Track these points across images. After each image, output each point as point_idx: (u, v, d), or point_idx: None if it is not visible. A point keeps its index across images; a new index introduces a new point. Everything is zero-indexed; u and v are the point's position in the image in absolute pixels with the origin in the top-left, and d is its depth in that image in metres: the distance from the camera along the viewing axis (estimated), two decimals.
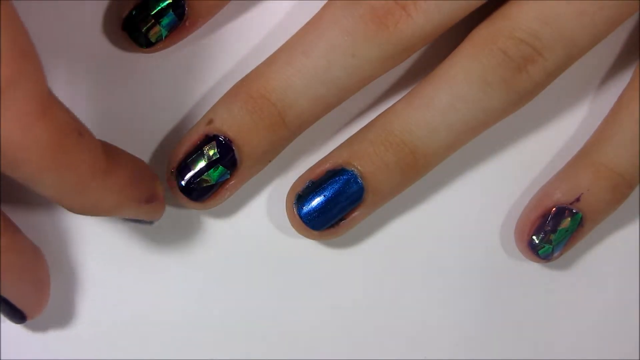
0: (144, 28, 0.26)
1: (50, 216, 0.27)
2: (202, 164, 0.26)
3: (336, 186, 0.27)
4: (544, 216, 0.28)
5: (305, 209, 0.27)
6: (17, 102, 0.19)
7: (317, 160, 0.27)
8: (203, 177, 0.26)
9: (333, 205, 0.27)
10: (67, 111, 0.21)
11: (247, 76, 0.27)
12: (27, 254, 0.24)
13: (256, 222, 0.29)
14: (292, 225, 0.27)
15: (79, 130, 0.21)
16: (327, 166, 0.27)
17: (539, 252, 0.28)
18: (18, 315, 0.25)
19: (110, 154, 0.22)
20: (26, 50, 0.19)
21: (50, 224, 0.27)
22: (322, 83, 0.26)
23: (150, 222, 0.26)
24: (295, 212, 0.27)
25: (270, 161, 0.27)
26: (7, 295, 0.25)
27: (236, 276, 0.28)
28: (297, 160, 0.29)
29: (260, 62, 0.27)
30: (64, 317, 0.28)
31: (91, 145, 0.21)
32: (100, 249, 0.28)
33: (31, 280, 0.25)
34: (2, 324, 0.28)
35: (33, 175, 0.20)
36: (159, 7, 0.26)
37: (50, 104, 0.20)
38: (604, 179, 0.27)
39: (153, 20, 0.26)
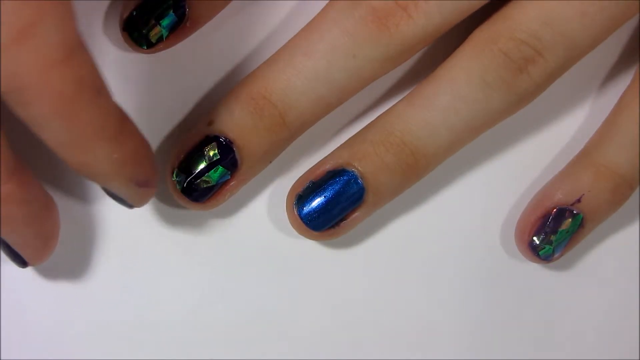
0: (145, 29, 0.26)
1: None
2: (202, 164, 0.26)
3: (336, 187, 0.27)
4: (545, 217, 0.28)
5: (306, 209, 0.27)
6: (39, 43, 0.18)
7: (317, 161, 0.27)
8: (203, 178, 0.26)
9: (333, 206, 0.27)
10: (92, 64, 0.20)
11: (247, 77, 0.27)
12: (33, 204, 0.24)
13: (256, 223, 0.29)
14: (293, 226, 0.27)
15: (98, 88, 0.20)
16: (328, 167, 0.27)
17: (540, 252, 0.28)
18: (19, 260, 0.25)
19: (124, 123, 0.22)
20: None
21: None
22: (323, 84, 0.26)
23: (130, 206, 0.25)
24: (296, 213, 0.27)
25: (270, 162, 0.27)
26: (8, 240, 0.24)
27: (236, 276, 0.28)
28: (297, 161, 0.29)
29: (260, 63, 0.27)
30: (63, 316, 0.28)
31: (107, 108, 0.21)
32: (100, 249, 0.28)
33: (35, 231, 0.24)
34: (2, 324, 0.28)
35: (40, 118, 0.20)
36: (160, 8, 0.26)
37: (75, 52, 0.19)
38: (604, 180, 0.27)
39: (154, 21, 0.26)
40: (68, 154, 0.21)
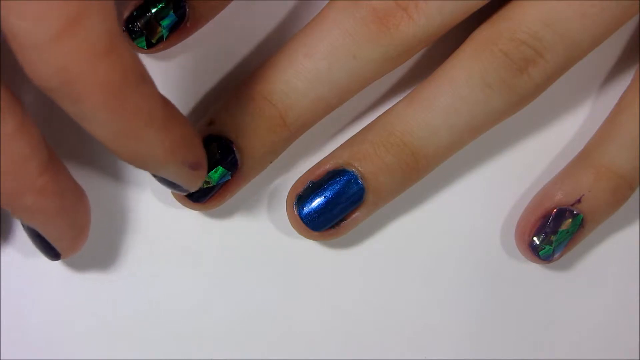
0: (145, 29, 0.26)
1: None
2: None
3: (337, 187, 0.27)
4: (545, 217, 0.28)
5: (306, 209, 0.27)
6: (85, 36, 0.18)
7: (317, 161, 0.27)
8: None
9: (333, 206, 0.27)
10: (133, 54, 0.20)
11: (248, 77, 0.27)
12: (67, 196, 0.24)
13: (257, 223, 0.29)
14: (293, 226, 0.27)
15: (143, 75, 0.20)
16: (328, 167, 0.27)
17: (540, 253, 0.28)
18: (52, 253, 0.25)
19: (168, 109, 0.22)
20: None
21: None
22: (323, 84, 0.26)
23: (186, 191, 0.25)
24: (296, 213, 0.27)
25: (271, 162, 0.27)
26: (43, 233, 0.24)
27: (237, 276, 0.28)
28: (297, 161, 0.29)
29: (260, 63, 0.27)
30: (63, 316, 0.28)
31: (152, 94, 0.21)
32: (99, 249, 0.28)
33: (68, 222, 0.24)
34: (2, 324, 0.28)
35: (89, 112, 0.20)
36: (160, 8, 0.26)
37: (118, 43, 0.19)
38: (605, 181, 0.27)
39: (154, 21, 0.26)
40: (120, 145, 0.21)
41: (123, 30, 0.26)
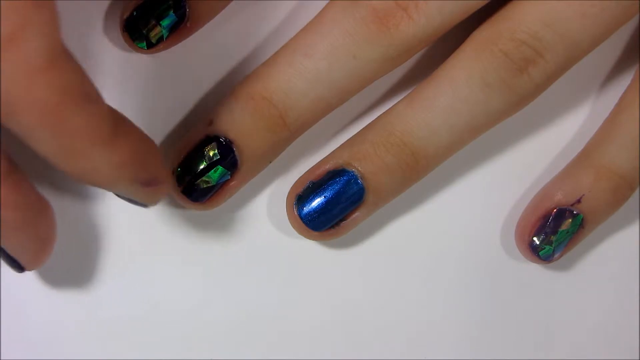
0: (145, 29, 0.26)
1: None
2: (202, 165, 0.26)
3: (336, 187, 0.27)
4: (545, 217, 0.28)
5: (306, 209, 0.27)
6: (22, 52, 0.18)
7: (317, 161, 0.27)
8: (203, 178, 0.26)
9: (333, 206, 0.27)
10: (78, 72, 0.20)
11: (248, 77, 0.27)
12: (28, 208, 0.23)
13: (256, 223, 0.29)
14: (293, 226, 0.27)
15: (86, 93, 0.20)
16: (328, 167, 0.27)
17: (540, 253, 0.28)
18: (15, 265, 0.25)
19: (119, 126, 0.21)
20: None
21: None
22: (323, 84, 0.26)
23: (145, 205, 0.24)
24: (296, 213, 0.27)
25: (270, 162, 0.27)
26: (4, 246, 0.24)
27: (236, 276, 0.28)
28: (297, 161, 0.29)
29: (260, 63, 0.27)
30: (63, 316, 0.28)
31: (98, 112, 0.20)
32: (99, 250, 0.28)
33: (29, 236, 0.24)
34: (2, 324, 0.28)
35: (27, 129, 0.19)
36: (160, 8, 0.26)
37: (59, 61, 0.19)
38: (605, 181, 0.27)
39: (154, 21, 0.26)
40: (64, 163, 0.21)
41: (123, 31, 0.26)
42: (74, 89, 0.19)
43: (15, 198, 0.23)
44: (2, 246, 0.24)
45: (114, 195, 0.27)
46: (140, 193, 0.23)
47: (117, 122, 0.21)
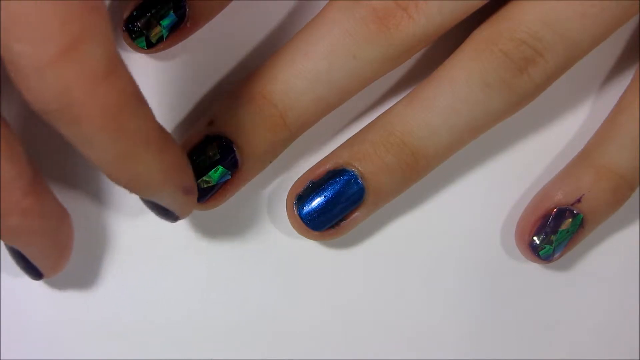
0: (145, 29, 0.26)
1: None
2: (203, 164, 0.26)
3: (336, 187, 0.27)
4: (545, 217, 0.28)
5: (306, 209, 0.27)
6: (85, 59, 0.18)
7: (317, 161, 0.27)
8: (204, 178, 0.26)
9: (333, 206, 0.27)
10: (130, 76, 0.20)
11: (248, 77, 0.27)
12: (50, 217, 0.24)
13: (257, 223, 0.29)
14: (293, 226, 0.27)
15: (140, 97, 0.20)
16: (328, 167, 0.27)
17: (540, 253, 0.28)
18: (35, 273, 0.25)
19: (165, 133, 0.22)
20: (96, 6, 0.19)
21: None
22: (323, 84, 0.26)
23: (176, 218, 0.25)
24: (296, 213, 0.27)
25: (271, 162, 0.27)
26: (26, 253, 0.25)
27: (237, 276, 0.28)
28: (297, 161, 0.29)
29: (260, 63, 0.27)
30: (63, 316, 0.28)
31: (150, 117, 0.21)
32: (100, 250, 0.28)
33: (51, 243, 0.25)
34: (2, 324, 0.28)
35: (88, 135, 0.20)
36: (160, 8, 0.26)
37: (117, 66, 0.19)
38: (605, 180, 0.27)
39: (154, 21, 0.26)
40: (118, 169, 0.21)
41: (123, 31, 0.26)
42: (131, 93, 0.20)
43: (39, 206, 0.23)
44: (24, 253, 0.25)
45: (114, 196, 0.28)
46: (180, 200, 0.24)
47: (162, 128, 0.22)
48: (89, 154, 0.21)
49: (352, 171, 0.26)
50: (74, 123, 0.19)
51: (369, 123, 0.27)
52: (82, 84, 0.19)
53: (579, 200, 0.27)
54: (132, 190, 0.22)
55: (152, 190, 0.23)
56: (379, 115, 0.27)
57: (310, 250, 0.29)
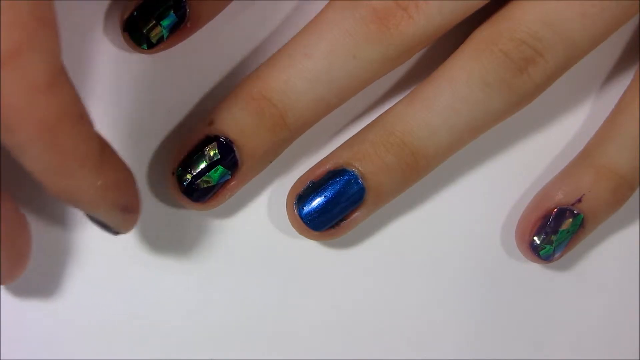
0: (146, 29, 0.26)
1: (47, 214, 0.27)
2: (203, 164, 0.26)
3: (337, 187, 0.27)
4: (545, 217, 0.28)
5: (306, 209, 0.27)
6: (25, 69, 0.18)
7: (317, 161, 0.27)
8: (204, 178, 0.26)
9: (333, 206, 0.27)
10: (74, 92, 0.20)
11: (248, 77, 0.27)
12: (7, 222, 0.23)
13: (257, 223, 0.29)
14: (293, 226, 0.27)
15: (81, 115, 0.20)
16: (328, 167, 0.27)
17: (540, 253, 0.28)
18: None
19: (105, 150, 0.22)
20: (44, 17, 0.18)
21: (45, 221, 0.27)
22: (323, 84, 0.26)
23: (116, 233, 0.25)
24: (296, 213, 0.27)
25: (271, 162, 0.27)
26: None
27: (237, 276, 0.28)
28: (297, 161, 0.29)
29: (261, 63, 0.27)
30: (63, 316, 0.28)
31: (89, 134, 0.21)
32: (100, 250, 0.28)
33: (7, 250, 0.24)
34: (2, 323, 0.28)
35: (23, 145, 0.19)
36: (160, 8, 0.26)
37: (59, 79, 0.19)
38: (605, 180, 0.27)
39: (154, 21, 0.26)
40: (50, 181, 0.21)
41: (123, 31, 0.26)
42: (71, 109, 0.20)
43: None
44: None
45: None
46: (117, 218, 0.23)
47: (104, 147, 0.22)
48: (22, 163, 0.20)
49: (353, 171, 0.26)
50: (7, 131, 0.19)
51: (369, 123, 0.27)
52: (18, 94, 0.18)
53: (579, 200, 0.27)
54: (65, 203, 0.22)
55: (86, 207, 0.22)
56: (379, 115, 0.27)
57: (310, 250, 0.29)
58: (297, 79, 0.26)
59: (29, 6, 0.18)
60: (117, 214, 0.23)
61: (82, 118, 0.20)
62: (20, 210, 0.24)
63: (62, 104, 0.19)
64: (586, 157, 0.28)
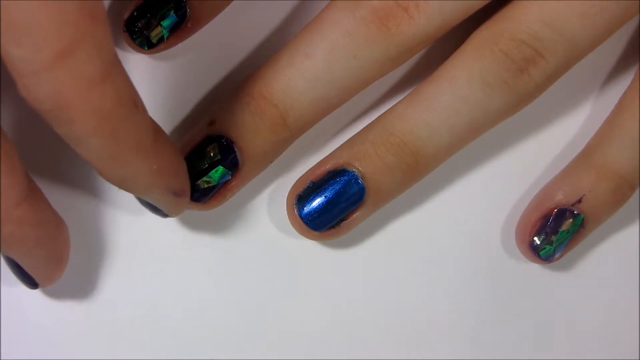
0: (146, 29, 0.26)
1: None
2: (203, 165, 0.26)
3: (337, 187, 0.27)
4: (545, 217, 0.28)
5: (306, 209, 0.27)
6: (80, 63, 0.19)
7: (317, 161, 0.27)
8: (204, 178, 0.26)
9: (334, 206, 0.27)
10: (128, 81, 0.21)
11: (248, 77, 0.27)
12: (45, 226, 0.24)
13: (257, 223, 0.29)
14: (293, 226, 0.27)
15: (136, 103, 0.21)
16: (328, 167, 0.27)
17: (540, 253, 0.28)
18: (30, 282, 0.25)
19: (159, 136, 0.22)
20: (95, 12, 0.19)
21: None
22: (324, 84, 0.26)
23: (165, 216, 0.26)
24: (296, 213, 0.27)
25: (271, 162, 0.27)
26: (21, 263, 0.25)
27: (237, 276, 0.28)
28: (298, 161, 0.29)
29: (261, 63, 0.27)
30: (63, 316, 0.28)
31: (144, 121, 0.21)
32: (100, 249, 0.28)
33: (47, 253, 0.25)
34: (2, 323, 0.28)
35: (80, 136, 0.20)
36: (161, 8, 0.26)
37: (113, 70, 0.20)
38: (605, 181, 0.27)
39: (155, 22, 0.26)
40: (108, 169, 0.22)
41: (123, 31, 0.26)
42: (126, 98, 0.20)
43: (35, 216, 0.23)
44: (19, 263, 0.25)
45: (115, 195, 0.28)
46: (169, 202, 0.24)
47: (157, 133, 0.22)
48: (81, 153, 0.21)
49: (353, 171, 0.26)
50: (66, 124, 0.20)
51: (369, 123, 0.27)
52: (75, 88, 0.19)
53: (579, 201, 0.27)
54: (122, 188, 0.23)
55: (140, 191, 0.23)
56: (379, 115, 0.27)
57: (310, 250, 0.29)
58: (298, 79, 0.26)
59: (78, 5, 0.18)
60: (169, 198, 0.24)
61: (136, 106, 0.21)
62: (58, 214, 0.25)
63: (116, 94, 0.20)
64: (586, 157, 0.28)
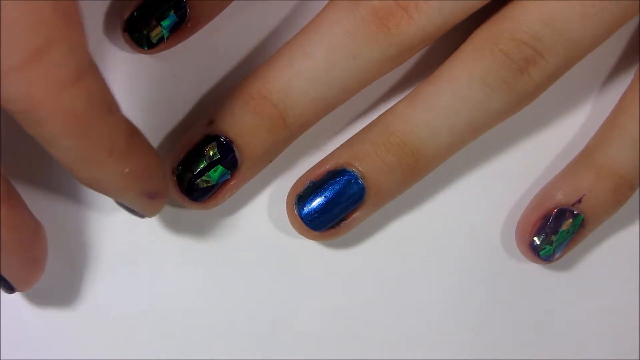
0: (146, 29, 0.26)
1: (49, 212, 0.27)
2: (202, 164, 0.26)
3: (337, 187, 0.27)
4: (545, 217, 0.28)
5: (306, 209, 0.27)
6: (52, 65, 0.19)
7: (317, 161, 0.27)
8: (203, 177, 0.26)
9: (334, 206, 0.27)
10: (102, 83, 0.20)
11: (248, 77, 0.27)
12: (23, 230, 0.24)
13: (257, 223, 0.29)
14: (293, 226, 0.27)
15: (109, 105, 0.21)
16: (328, 167, 0.27)
17: (540, 253, 0.28)
18: (6, 286, 0.25)
19: (134, 138, 0.22)
20: (69, 13, 0.19)
21: (47, 220, 0.27)
22: (323, 84, 0.26)
23: (142, 216, 0.25)
24: (296, 213, 0.27)
25: (270, 161, 0.27)
26: None
27: (237, 276, 0.28)
28: (297, 161, 0.29)
29: (260, 63, 0.27)
30: (62, 316, 0.28)
31: (117, 123, 0.21)
32: (100, 249, 0.28)
33: (24, 257, 0.24)
34: (2, 323, 0.28)
35: (52, 137, 0.20)
36: (161, 8, 0.26)
37: (86, 73, 0.20)
38: (605, 181, 0.27)
39: (155, 22, 0.26)
40: (79, 171, 0.22)
41: (123, 31, 0.26)
42: (98, 101, 0.20)
43: (11, 219, 0.23)
44: None
45: (108, 198, 0.27)
46: (143, 204, 0.24)
47: (132, 134, 0.22)
48: (52, 153, 0.21)
49: (353, 171, 0.26)
50: (37, 125, 0.20)
51: (369, 123, 0.27)
52: (46, 90, 0.19)
53: (579, 201, 0.27)
54: (95, 190, 0.23)
55: (113, 193, 0.23)
56: (380, 115, 0.27)
57: (310, 250, 0.29)
58: (297, 78, 0.26)
59: (52, 6, 0.18)
60: (143, 201, 0.24)
61: (109, 108, 0.21)
62: (36, 217, 0.25)
63: (89, 97, 0.20)
64: (586, 157, 0.28)
